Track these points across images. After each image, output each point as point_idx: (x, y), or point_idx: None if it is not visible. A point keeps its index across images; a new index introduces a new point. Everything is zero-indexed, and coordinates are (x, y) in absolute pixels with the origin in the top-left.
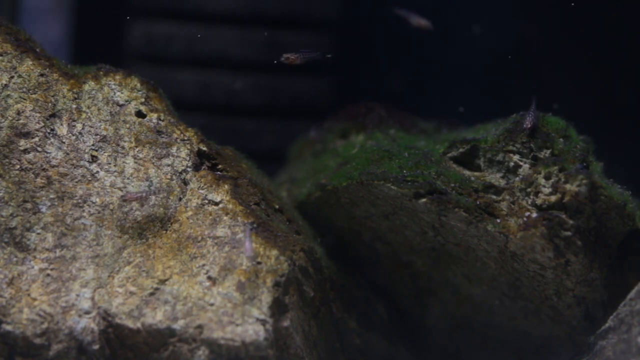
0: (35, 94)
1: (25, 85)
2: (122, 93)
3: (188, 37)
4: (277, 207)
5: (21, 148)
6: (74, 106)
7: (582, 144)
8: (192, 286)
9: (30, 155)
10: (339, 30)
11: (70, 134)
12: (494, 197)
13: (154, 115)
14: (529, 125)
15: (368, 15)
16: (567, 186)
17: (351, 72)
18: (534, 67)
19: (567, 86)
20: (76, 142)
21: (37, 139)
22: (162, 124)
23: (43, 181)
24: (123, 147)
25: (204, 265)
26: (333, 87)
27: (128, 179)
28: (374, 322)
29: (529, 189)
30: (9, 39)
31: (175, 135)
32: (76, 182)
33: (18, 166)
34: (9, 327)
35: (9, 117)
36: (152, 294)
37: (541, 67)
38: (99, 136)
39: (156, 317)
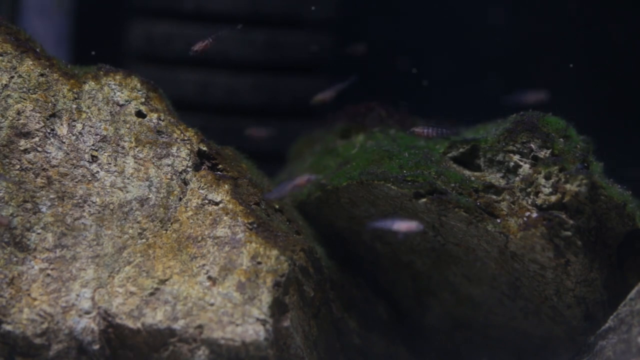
0: (35, 94)
1: (26, 85)
2: (122, 93)
3: (188, 37)
4: (277, 207)
5: (21, 148)
6: (74, 106)
7: (582, 144)
8: (192, 286)
9: (30, 155)
10: (338, 30)
11: (70, 134)
12: (494, 197)
13: (154, 115)
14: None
15: (368, 15)
16: (567, 186)
17: (351, 72)
18: (535, 66)
19: (567, 86)
20: (76, 142)
21: (37, 139)
22: (162, 124)
23: (43, 181)
24: (123, 147)
25: (204, 265)
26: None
27: (128, 179)
28: (374, 322)
29: (529, 189)
30: (9, 39)
31: (175, 135)
32: (76, 182)
33: (18, 166)
34: (9, 327)
35: (9, 117)
36: (152, 294)
37: (542, 66)
38: (99, 136)
39: (156, 317)
